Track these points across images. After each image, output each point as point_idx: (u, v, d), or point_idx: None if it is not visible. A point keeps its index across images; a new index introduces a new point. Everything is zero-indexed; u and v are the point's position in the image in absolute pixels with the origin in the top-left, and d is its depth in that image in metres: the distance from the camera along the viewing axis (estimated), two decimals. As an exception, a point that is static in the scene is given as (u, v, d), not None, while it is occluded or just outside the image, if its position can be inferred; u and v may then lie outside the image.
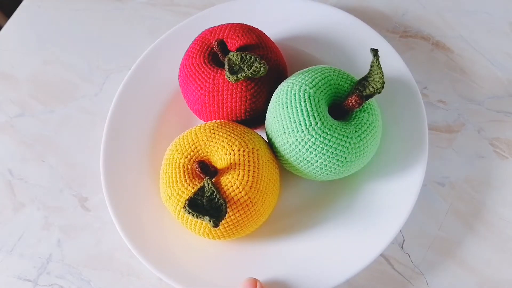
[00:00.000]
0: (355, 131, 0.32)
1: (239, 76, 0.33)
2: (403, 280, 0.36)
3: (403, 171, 0.36)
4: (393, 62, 0.39)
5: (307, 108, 0.31)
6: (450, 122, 0.41)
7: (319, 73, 0.33)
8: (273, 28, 0.43)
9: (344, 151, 0.31)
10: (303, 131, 0.31)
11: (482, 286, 0.35)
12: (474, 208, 0.38)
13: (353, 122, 0.32)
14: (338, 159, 0.32)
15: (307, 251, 0.35)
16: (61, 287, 0.39)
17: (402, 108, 0.38)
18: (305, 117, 0.31)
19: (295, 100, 0.32)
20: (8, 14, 0.57)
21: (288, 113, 0.32)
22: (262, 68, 0.33)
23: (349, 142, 0.31)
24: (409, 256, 0.37)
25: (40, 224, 0.42)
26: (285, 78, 0.39)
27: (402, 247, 0.37)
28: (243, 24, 0.39)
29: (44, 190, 0.43)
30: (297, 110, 0.31)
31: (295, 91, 0.32)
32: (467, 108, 0.41)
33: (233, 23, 0.38)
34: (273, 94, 0.35)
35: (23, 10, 0.54)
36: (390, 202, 0.35)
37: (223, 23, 0.39)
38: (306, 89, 0.32)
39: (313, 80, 0.33)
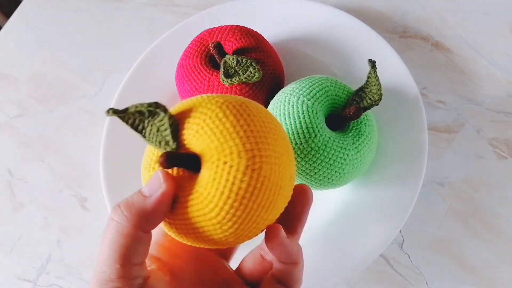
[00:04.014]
0: (353, 142, 0.32)
1: (233, 80, 0.33)
2: (403, 280, 0.36)
3: (403, 171, 0.36)
4: (392, 63, 0.39)
5: (305, 121, 0.31)
6: (450, 122, 0.41)
7: (316, 84, 0.33)
8: (272, 28, 0.43)
9: (342, 163, 0.31)
10: (302, 143, 0.31)
11: (481, 286, 0.35)
12: (474, 208, 0.38)
13: (350, 134, 0.32)
14: (336, 171, 0.31)
15: (306, 251, 0.35)
16: (60, 287, 0.39)
17: (402, 108, 0.38)
18: (304, 129, 0.31)
19: (293, 112, 0.31)
20: (8, 14, 0.57)
21: (286, 125, 0.31)
22: (256, 74, 0.33)
23: (347, 154, 0.31)
24: (409, 256, 0.37)
25: (39, 225, 0.42)
26: (282, 83, 0.38)
27: (401, 247, 0.37)
28: (242, 26, 0.38)
29: (44, 191, 0.43)
30: (295, 122, 0.31)
31: (293, 102, 0.32)
32: (467, 108, 0.41)
33: (232, 25, 0.38)
34: (270, 104, 0.34)
35: (23, 10, 0.54)
36: (390, 202, 0.35)
37: (223, 24, 0.39)
38: (304, 101, 0.31)
39: (311, 91, 0.32)
